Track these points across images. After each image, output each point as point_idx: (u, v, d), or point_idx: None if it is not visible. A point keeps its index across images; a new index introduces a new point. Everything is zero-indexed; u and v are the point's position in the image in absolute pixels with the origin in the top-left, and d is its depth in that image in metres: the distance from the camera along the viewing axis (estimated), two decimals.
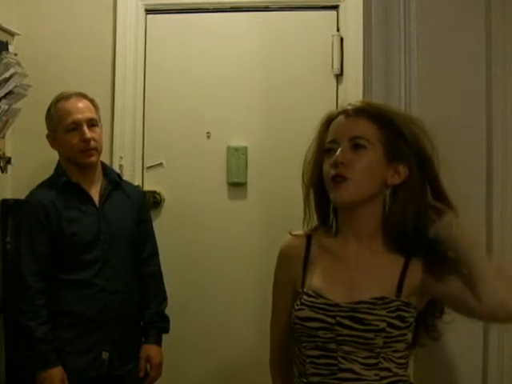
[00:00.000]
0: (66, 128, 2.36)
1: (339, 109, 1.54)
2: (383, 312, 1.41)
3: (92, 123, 2.38)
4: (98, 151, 2.40)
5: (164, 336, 2.50)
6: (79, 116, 2.35)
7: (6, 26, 2.77)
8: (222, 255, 2.97)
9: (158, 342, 2.47)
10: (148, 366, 2.43)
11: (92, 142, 2.35)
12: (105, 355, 2.31)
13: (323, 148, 1.52)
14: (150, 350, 2.43)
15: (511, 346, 1.58)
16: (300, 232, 1.60)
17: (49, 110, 2.41)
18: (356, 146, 1.46)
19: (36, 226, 2.29)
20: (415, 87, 1.69)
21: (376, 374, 1.42)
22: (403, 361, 1.47)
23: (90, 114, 2.39)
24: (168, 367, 2.51)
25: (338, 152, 1.46)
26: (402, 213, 1.46)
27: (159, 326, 2.48)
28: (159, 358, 2.45)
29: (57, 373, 2.22)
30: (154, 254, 2.55)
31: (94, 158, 2.38)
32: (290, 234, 1.61)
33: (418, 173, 1.47)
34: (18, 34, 2.85)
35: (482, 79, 1.68)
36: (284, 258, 1.60)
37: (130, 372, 2.40)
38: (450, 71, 1.70)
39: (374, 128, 1.46)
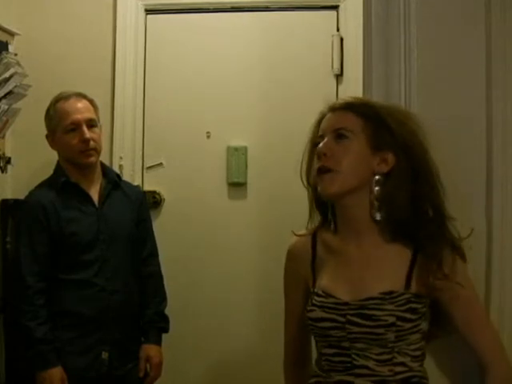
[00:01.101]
0: (65, 128, 2.36)
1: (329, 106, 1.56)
2: (391, 306, 1.41)
3: (91, 123, 2.38)
4: (98, 151, 2.40)
5: (164, 336, 2.50)
6: (78, 116, 2.35)
7: (5, 25, 2.77)
8: (221, 255, 2.97)
9: (158, 342, 2.47)
10: (148, 365, 2.43)
11: (91, 143, 2.35)
12: (104, 355, 2.31)
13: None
14: (149, 349, 2.43)
15: (510, 342, 1.58)
16: (304, 232, 1.60)
17: (48, 110, 2.41)
18: (339, 136, 1.47)
19: (36, 226, 2.29)
20: (415, 87, 1.69)
21: (390, 370, 1.42)
22: (419, 353, 1.46)
23: (89, 114, 2.39)
24: (168, 367, 2.52)
25: (321, 144, 1.48)
26: (393, 200, 1.45)
27: (159, 325, 2.48)
28: (159, 358, 2.45)
29: (56, 373, 2.22)
30: (154, 253, 2.55)
31: (93, 159, 2.38)
32: (295, 234, 1.61)
33: (405, 160, 1.46)
34: (18, 34, 2.86)
35: (481, 79, 1.67)
36: (292, 258, 1.61)
37: (130, 372, 2.40)
38: (449, 71, 1.69)
39: (358, 119, 1.48)
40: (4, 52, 2.62)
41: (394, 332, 1.40)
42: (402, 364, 1.43)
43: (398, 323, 1.40)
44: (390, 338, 1.41)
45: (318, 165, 1.47)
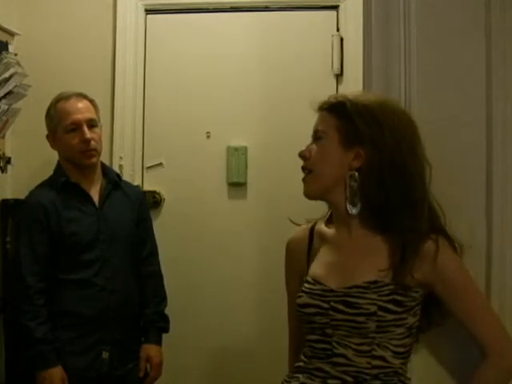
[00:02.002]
0: (65, 128, 2.36)
1: None
2: (374, 296, 1.42)
3: (92, 124, 2.39)
4: (98, 152, 2.40)
5: (164, 336, 2.50)
6: (79, 116, 2.35)
7: (6, 25, 2.77)
8: (221, 255, 2.97)
9: (158, 342, 2.48)
10: (148, 365, 2.44)
11: (92, 143, 2.35)
12: (105, 355, 2.31)
13: None
14: (149, 349, 2.44)
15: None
16: (304, 225, 1.65)
17: (48, 110, 2.42)
18: (317, 138, 1.53)
19: (36, 226, 2.29)
20: (415, 87, 1.69)
21: (368, 362, 1.43)
22: (402, 349, 1.46)
23: (89, 114, 2.39)
24: (168, 367, 2.52)
25: (304, 147, 1.55)
26: (364, 193, 1.47)
27: (159, 325, 2.48)
28: (159, 358, 2.45)
29: (57, 372, 2.23)
30: (154, 253, 2.55)
31: (94, 159, 2.38)
32: (292, 221, 1.64)
33: (373, 154, 1.47)
34: (18, 34, 2.86)
35: (481, 79, 1.67)
36: (290, 249, 1.66)
37: (130, 372, 2.40)
38: (449, 71, 1.69)
39: (332, 119, 1.52)
40: (4, 52, 2.62)
41: (375, 322, 1.41)
42: (381, 358, 1.43)
43: (380, 313, 1.41)
44: (371, 327, 1.41)
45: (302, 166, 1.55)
